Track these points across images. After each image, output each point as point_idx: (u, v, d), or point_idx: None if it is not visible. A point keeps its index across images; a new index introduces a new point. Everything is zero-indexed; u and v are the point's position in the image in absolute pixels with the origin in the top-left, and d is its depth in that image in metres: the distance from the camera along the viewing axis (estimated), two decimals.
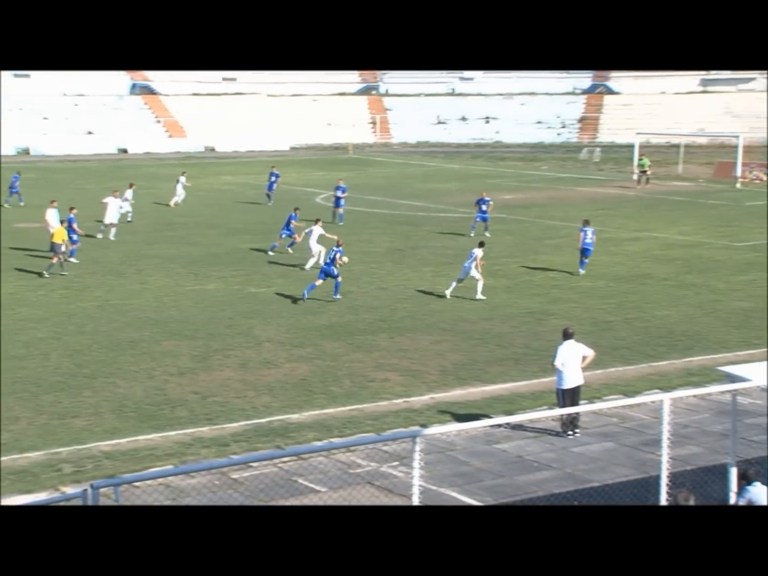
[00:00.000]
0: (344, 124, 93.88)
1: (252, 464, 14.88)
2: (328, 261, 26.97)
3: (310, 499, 13.81)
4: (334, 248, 26.96)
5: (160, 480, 13.89)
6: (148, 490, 13.36)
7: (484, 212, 37.59)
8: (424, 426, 16.46)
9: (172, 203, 46.51)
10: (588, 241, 30.42)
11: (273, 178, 47.95)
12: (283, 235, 33.81)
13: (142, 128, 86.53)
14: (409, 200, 49.21)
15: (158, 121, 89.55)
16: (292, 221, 33.56)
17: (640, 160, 55.13)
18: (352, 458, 15.55)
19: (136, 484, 12.91)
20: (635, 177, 55.06)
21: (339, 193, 41.28)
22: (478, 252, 26.80)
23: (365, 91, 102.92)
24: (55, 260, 29.80)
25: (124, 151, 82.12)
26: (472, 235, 37.05)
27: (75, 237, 32.02)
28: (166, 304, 26.40)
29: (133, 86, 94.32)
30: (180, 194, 46.81)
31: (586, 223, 30.97)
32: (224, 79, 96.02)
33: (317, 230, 30.95)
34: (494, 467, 15.29)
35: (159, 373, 20.07)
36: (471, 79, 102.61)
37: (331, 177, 61.94)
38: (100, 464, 15.15)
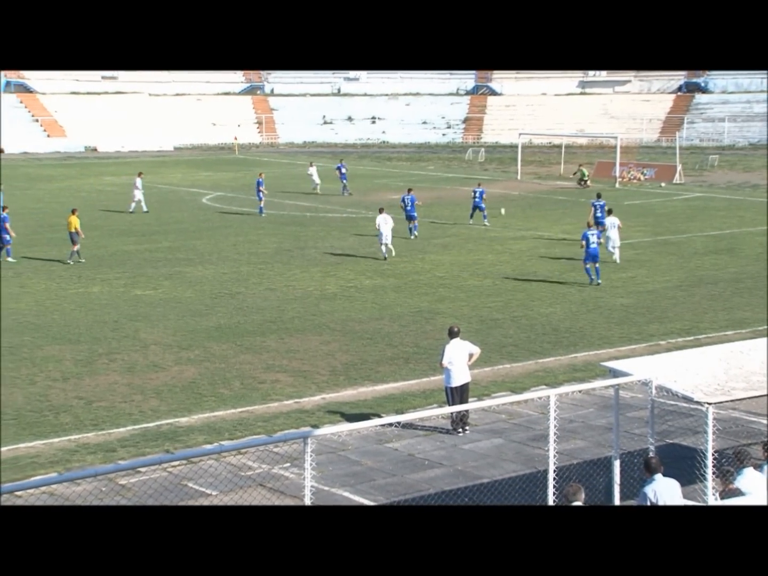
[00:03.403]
0: (229, 124, 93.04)
1: (140, 469, 14.61)
2: (594, 245, 28.49)
3: (201, 503, 13.61)
4: (593, 231, 29.16)
5: (44, 488, 13.48)
6: (31, 500, 12.98)
7: (479, 201, 40.49)
8: (315, 427, 16.44)
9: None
10: (598, 214, 35.16)
11: (343, 170, 51.95)
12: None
13: (18, 127, 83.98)
14: (296, 201, 49.07)
15: (36, 120, 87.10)
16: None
17: (579, 169, 56.27)
18: (243, 461, 15.41)
19: (18, 493, 12.53)
20: (577, 181, 55.42)
21: (261, 188, 43.80)
22: (617, 220, 31.86)
23: (250, 91, 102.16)
24: (76, 248, 32.18)
25: (0, 151, 79.60)
26: (470, 222, 40.50)
27: (8, 237, 32.48)
28: (48, 308, 25.71)
29: (7, 84, 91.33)
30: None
31: (598, 196, 36.99)
32: (104, 77, 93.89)
33: (387, 218, 33.21)
34: (385, 466, 15.35)
35: (41, 378, 19.52)
36: (356, 79, 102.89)
37: (217, 177, 61.32)
38: None
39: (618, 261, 31.57)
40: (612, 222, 31.92)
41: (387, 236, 32.89)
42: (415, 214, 37.49)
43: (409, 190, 38.16)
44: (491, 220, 40.65)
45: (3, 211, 32.66)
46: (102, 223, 40.96)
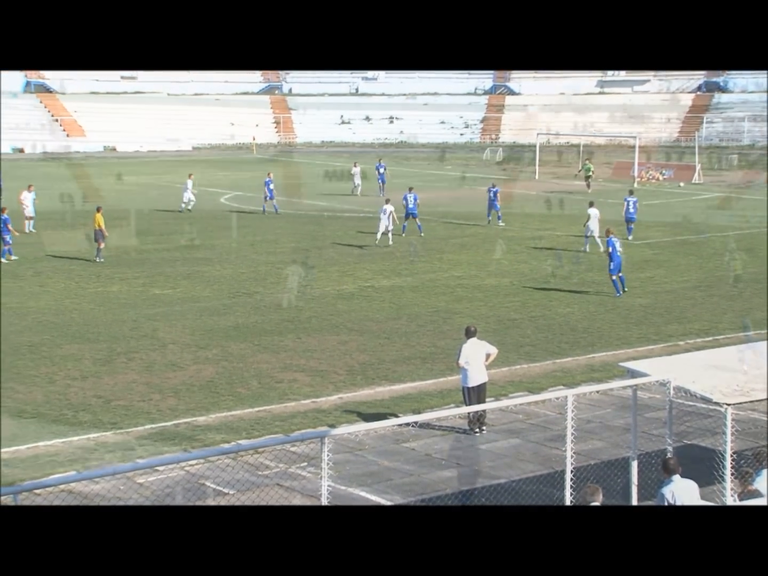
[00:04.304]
0: (248, 123, 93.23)
1: (158, 468, 14.64)
2: (619, 252, 27.23)
3: (218, 502, 13.66)
4: (613, 238, 27.54)
5: (63, 487, 13.53)
6: (50, 498, 13.05)
7: (493, 200, 41.00)
8: (332, 426, 16.45)
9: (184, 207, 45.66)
10: (631, 210, 35.91)
11: (382, 170, 51.39)
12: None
13: (38, 127, 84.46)
14: (313, 200, 49.12)
15: (56, 120, 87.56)
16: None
17: (585, 164, 55.47)
18: (260, 460, 15.45)
19: (37, 491, 12.61)
20: (584, 180, 54.48)
21: (271, 186, 43.93)
22: (598, 212, 33.71)
23: (268, 91, 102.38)
24: (101, 245, 32.36)
25: (20, 150, 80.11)
26: (489, 219, 41.08)
27: (8, 237, 32.84)
28: (67, 306, 25.84)
29: (27, 84, 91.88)
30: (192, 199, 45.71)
31: (630, 193, 37.61)
32: (123, 77, 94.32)
33: (389, 208, 35.53)
34: (403, 466, 15.35)
35: (60, 377, 19.63)
36: (374, 79, 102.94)
37: (235, 177, 61.48)
38: None
39: (587, 251, 33.11)
40: (594, 213, 33.50)
41: (389, 226, 35.17)
42: (417, 212, 38.10)
43: (411, 189, 38.51)
44: (505, 219, 40.61)
45: (2, 212, 32.91)
46: (121, 222, 41.07)
